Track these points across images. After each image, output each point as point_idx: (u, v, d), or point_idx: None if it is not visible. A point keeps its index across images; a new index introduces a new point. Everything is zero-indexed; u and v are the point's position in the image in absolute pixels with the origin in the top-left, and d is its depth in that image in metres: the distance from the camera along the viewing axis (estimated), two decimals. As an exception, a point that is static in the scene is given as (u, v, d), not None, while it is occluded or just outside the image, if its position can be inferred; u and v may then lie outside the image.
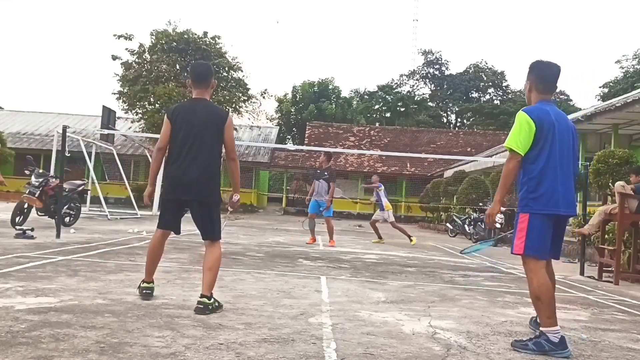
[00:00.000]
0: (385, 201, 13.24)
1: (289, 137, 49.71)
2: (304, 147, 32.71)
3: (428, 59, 54.92)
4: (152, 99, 25.93)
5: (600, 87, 41.91)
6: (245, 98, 28.99)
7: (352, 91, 55.74)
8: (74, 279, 4.92)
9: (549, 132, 3.43)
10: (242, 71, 29.01)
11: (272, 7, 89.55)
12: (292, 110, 49.34)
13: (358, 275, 6.54)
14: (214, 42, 28.23)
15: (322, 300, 4.69)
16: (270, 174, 39.51)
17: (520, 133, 3.43)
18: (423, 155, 25.01)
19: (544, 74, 3.66)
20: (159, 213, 4.28)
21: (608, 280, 7.44)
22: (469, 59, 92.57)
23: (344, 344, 3.26)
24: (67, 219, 10.55)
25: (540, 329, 3.38)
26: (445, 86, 54.51)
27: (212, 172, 4.04)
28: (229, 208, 4.63)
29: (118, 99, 26.89)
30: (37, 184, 10.03)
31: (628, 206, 7.33)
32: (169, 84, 26.02)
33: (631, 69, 39.36)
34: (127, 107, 27.08)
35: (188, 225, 4.67)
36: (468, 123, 52.81)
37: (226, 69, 28.63)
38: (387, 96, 52.80)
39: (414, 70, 55.62)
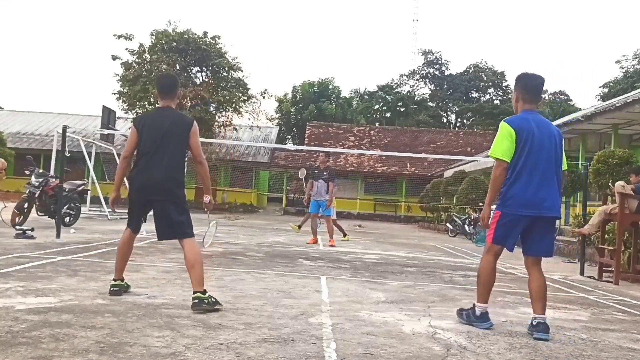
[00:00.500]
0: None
1: (289, 137, 49.72)
2: (304, 147, 32.73)
3: (428, 59, 54.94)
4: (152, 99, 25.94)
5: (600, 87, 41.95)
6: (245, 98, 29.01)
7: (352, 91, 55.80)
8: (74, 279, 4.92)
9: (527, 140, 3.78)
10: (242, 71, 29.08)
11: (272, 7, 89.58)
12: (292, 110, 49.35)
13: (358, 275, 6.54)
14: (214, 42, 28.25)
15: (322, 300, 4.69)
16: (270, 174, 39.55)
17: (503, 142, 3.81)
18: (423, 155, 25.01)
19: (529, 85, 3.99)
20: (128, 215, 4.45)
21: (608, 280, 7.44)
22: (469, 59, 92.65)
23: (344, 344, 3.26)
24: (67, 219, 10.54)
25: (475, 302, 4.00)
26: (445, 86, 54.52)
27: (175, 173, 4.19)
28: (206, 210, 4.82)
29: (118, 99, 26.93)
30: (37, 184, 10.04)
31: (628, 206, 7.33)
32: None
33: (631, 69, 39.35)
34: (127, 107, 27.11)
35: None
36: (468, 123, 52.82)
37: (226, 69, 28.66)
38: (387, 96, 52.80)
39: (414, 70, 55.68)
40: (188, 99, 26.46)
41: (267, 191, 38.12)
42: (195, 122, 4.38)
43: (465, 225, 16.71)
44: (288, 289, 5.13)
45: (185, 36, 27.58)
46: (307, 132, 37.73)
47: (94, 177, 15.79)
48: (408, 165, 33.65)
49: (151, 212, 4.33)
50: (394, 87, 54.21)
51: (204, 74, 29.36)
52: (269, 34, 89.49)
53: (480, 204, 17.18)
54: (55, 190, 9.90)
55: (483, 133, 39.98)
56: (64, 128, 9.57)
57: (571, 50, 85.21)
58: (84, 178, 15.14)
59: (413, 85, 55.61)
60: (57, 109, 52.57)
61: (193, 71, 28.95)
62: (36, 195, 10.00)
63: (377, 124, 45.40)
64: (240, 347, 3.05)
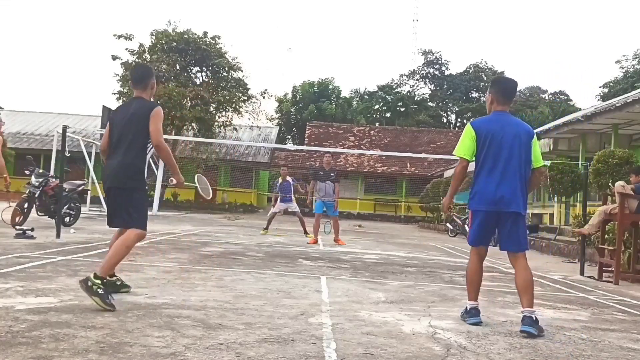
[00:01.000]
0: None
1: (289, 137, 49.70)
2: (304, 147, 32.74)
3: (428, 59, 54.91)
4: (151, 99, 25.95)
5: (600, 87, 41.93)
6: (245, 98, 28.99)
7: (352, 91, 55.74)
8: (74, 279, 4.91)
9: (487, 139, 4.01)
10: (242, 71, 29.04)
11: (272, 7, 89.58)
12: (292, 110, 49.34)
13: (358, 275, 6.54)
14: (214, 42, 28.23)
15: (322, 300, 4.69)
16: (270, 174, 39.53)
17: (463, 141, 4.12)
18: (423, 155, 25.04)
19: (503, 88, 4.19)
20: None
21: (608, 280, 7.44)
22: (469, 59, 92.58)
23: (344, 344, 3.26)
24: (67, 219, 10.54)
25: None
26: (445, 86, 54.49)
27: (130, 159, 4.11)
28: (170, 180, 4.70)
29: (118, 99, 26.90)
30: (37, 184, 10.04)
31: (628, 206, 7.33)
32: (169, 84, 26.02)
33: (631, 69, 39.35)
34: (127, 107, 27.08)
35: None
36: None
37: (226, 69, 28.64)
38: (387, 96, 52.78)
39: (414, 70, 55.61)
40: (188, 99, 26.45)
41: (267, 191, 38.10)
42: (158, 107, 4.26)
43: (465, 226, 16.68)
44: (288, 289, 5.13)
45: (185, 36, 27.56)
46: (307, 132, 37.74)
47: (94, 177, 15.80)
48: (408, 165, 33.66)
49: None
50: (394, 87, 54.18)
51: (204, 74, 29.36)
52: (269, 34, 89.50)
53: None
54: (55, 190, 9.91)
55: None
56: (64, 128, 9.57)
57: (571, 50, 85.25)
58: (84, 178, 15.15)
59: (413, 85, 55.61)
60: (57, 109, 52.57)
61: (193, 71, 28.94)
62: (36, 195, 10.00)
63: (377, 124, 45.38)
64: (240, 347, 3.05)
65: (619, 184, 7.56)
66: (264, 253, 8.50)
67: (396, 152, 30.84)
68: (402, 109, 50.96)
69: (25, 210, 9.89)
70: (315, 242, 11.14)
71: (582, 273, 8.14)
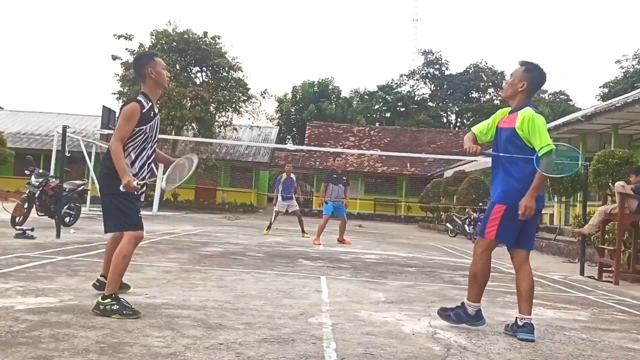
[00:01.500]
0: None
1: (289, 137, 49.71)
2: (304, 147, 32.74)
3: (428, 59, 54.91)
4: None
5: (600, 87, 41.93)
6: (245, 98, 29.01)
7: (352, 91, 55.77)
8: (74, 279, 4.92)
9: None
10: (242, 71, 29.07)
11: (272, 7, 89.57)
12: (292, 110, 49.36)
13: (358, 275, 6.54)
14: (214, 42, 28.25)
15: (322, 300, 4.69)
16: (270, 174, 39.54)
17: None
18: (423, 155, 25.04)
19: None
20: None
21: (608, 280, 7.44)
22: (469, 59, 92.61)
23: (344, 344, 3.26)
24: (67, 219, 10.54)
25: (465, 300, 3.84)
26: (445, 86, 54.50)
27: (108, 162, 3.87)
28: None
29: (118, 99, 26.92)
30: (37, 184, 10.03)
31: (628, 206, 7.33)
32: (169, 84, 26.00)
33: (631, 69, 39.34)
34: (127, 107, 27.09)
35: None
36: (468, 123, 52.77)
37: (226, 69, 28.66)
38: (387, 96, 52.78)
39: (414, 70, 55.63)
40: (188, 99, 26.46)
41: (267, 191, 38.09)
42: (131, 103, 3.90)
43: (465, 225, 16.70)
44: (288, 289, 5.13)
45: (185, 36, 27.58)
46: (307, 132, 37.75)
47: (94, 177, 15.79)
48: (408, 165, 33.66)
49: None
50: (394, 87, 54.19)
51: (204, 74, 29.38)
52: (269, 34, 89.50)
53: (481, 204, 17.22)
54: (55, 190, 9.91)
55: (483, 133, 39.93)
56: (64, 128, 9.57)
57: (571, 50, 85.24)
58: (84, 178, 15.14)
59: (413, 85, 55.62)
60: (57, 109, 52.61)
61: (193, 71, 28.96)
62: (36, 195, 10.00)
63: (377, 124, 45.39)
64: (240, 347, 3.05)
65: (619, 184, 7.56)
66: (264, 253, 8.50)
67: (396, 152, 30.85)
68: (402, 109, 50.97)
69: (25, 210, 9.89)
70: (319, 242, 11.22)
71: (582, 273, 8.14)
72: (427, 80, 55.78)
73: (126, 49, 26.83)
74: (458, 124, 54.02)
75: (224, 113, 28.94)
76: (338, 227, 11.87)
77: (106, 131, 18.01)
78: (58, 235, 8.51)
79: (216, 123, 28.69)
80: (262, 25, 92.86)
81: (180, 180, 4.29)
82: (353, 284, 5.74)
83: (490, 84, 54.18)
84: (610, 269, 7.63)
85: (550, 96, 51.32)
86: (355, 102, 53.08)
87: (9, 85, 75.33)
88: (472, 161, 22.58)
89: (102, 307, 3.60)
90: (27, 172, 10.38)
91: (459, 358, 3.13)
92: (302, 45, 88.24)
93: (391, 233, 18.39)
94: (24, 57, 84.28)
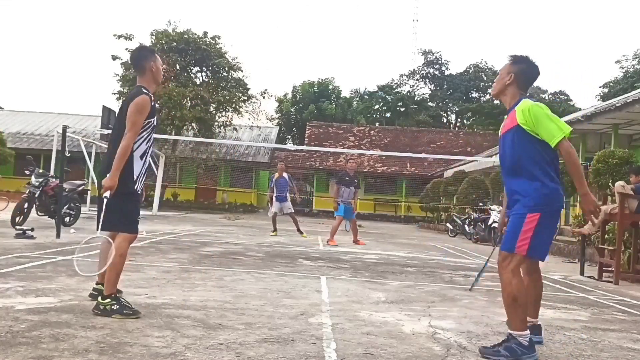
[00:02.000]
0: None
1: (289, 137, 49.68)
2: (304, 147, 32.73)
3: (428, 59, 54.88)
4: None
5: (600, 87, 41.90)
6: (245, 98, 29.02)
7: (352, 91, 55.70)
8: (74, 279, 4.92)
9: None
10: (242, 71, 29.08)
11: (272, 7, 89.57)
12: (292, 110, 49.33)
13: (358, 275, 6.54)
14: (214, 42, 28.26)
15: (322, 300, 4.69)
16: (270, 174, 39.55)
17: (557, 118, 3.26)
18: (423, 155, 25.03)
19: (530, 72, 3.51)
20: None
21: (608, 280, 7.44)
22: (469, 59, 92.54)
23: (344, 344, 3.27)
24: (67, 219, 10.55)
25: (511, 332, 3.22)
26: (445, 86, 54.47)
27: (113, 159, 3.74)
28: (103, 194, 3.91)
29: (118, 99, 26.93)
30: (37, 184, 10.04)
31: (628, 206, 7.33)
32: (169, 84, 26.03)
33: (631, 69, 39.32)
34: (127, 107, 27.10)
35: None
36: (468, 123, 52.80)
37: (226, 69, 28.67)
38: (387, 96, 52.76)
39: (414, 70, 55.55)
40: (188, 99, 26.46)
41: (267, 191, 38.12)
42: (142, 95, 3.78)
43: (465, 226, 16.70)
44: (288, 289, 5.13)
45: (185, 36, 27.58)
46: (307, 132, 37.73)
47: (94, 177, 15.79)
48: (408, 165, 33.65)
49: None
50: (394, 87, 54.16)
51: (204, 74, 29.39)
52: (269, 34, 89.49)
53: (481, 204, 17.21)
54: (55, 190, 9.91)
55: (483, 133, 39.98)
56: (64, 128, 9.58)
57: (571, 50, 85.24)
58: (84, 178, 15.15)
59: (413, 85, 55.57)
60: (57, 109, 52.58)
61: (193, 71, 28.97)
62: (36, 195, 10.00)
63: (377, 124, 45.35)
64: (240, 347, 3.05)
65: (619, 184, 7.56)
66: (264, 253, 8.50)
67: (396, 152, 30.84)
68: (402, 109, 50.95)
69: (25, 210, 9.89)
70: (334, 243, 11.32)
71: (582, 273, 8.14)
72: (427, 80, 55.76)
73: (126, 49, 26.82)
74: (458, 124, 54.00)
75: (224, 113, 28.95)
76: (350, 229, 11.98)
77: (106, 131, 18.00)
78: (58, 235, 8.51)
79: (216, 123, 28.69)
80: (262, 25, 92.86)
81: None
82: (353, 284, 5.74)
83: (490, 84, 54.00)
84: (610, 269, 7.63)
85: (550, 96, 51.30)
86: (355, 102, 53.05)
87: (9, 85, 75.36)
88: (472, 161, 22.60)
89: (102, 307, 3.59)
90: (27, 172, 10.38)
91: (459, 358, 3.13)
92: (302, 45, 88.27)
93: (391, 233, 18.39)
94: (24, 57, 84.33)
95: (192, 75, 28.82)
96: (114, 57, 26.86)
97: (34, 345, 2.82)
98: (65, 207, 10.38)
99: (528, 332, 3.21)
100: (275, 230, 13.20)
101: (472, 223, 16.23)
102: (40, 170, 10.56)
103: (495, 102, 52.63)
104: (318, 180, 33.90)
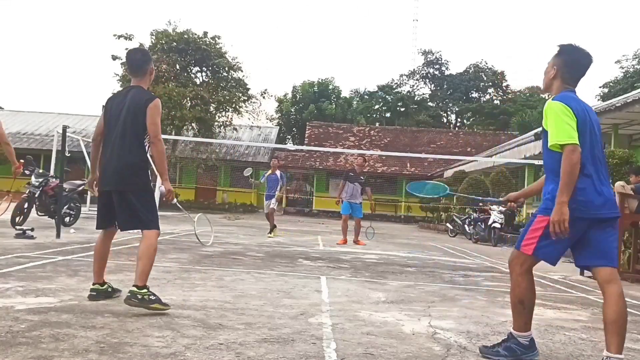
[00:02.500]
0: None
1: (289, 137, 49.68)
2: (304, 147, 32.74)
3: (428, 59, 54.88)
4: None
5: (600, 87, 41.83)
6: (245, 98, 29.00)
7: (352, 91, 55.70)
8: (74, 279, 4.92)
9: (586, 125, 3.01)
10: (242, 71, 29.05)
11: (272, 7, 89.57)
12: (292, 110, 49.33)
13: (358, 275, 6.54)
14: (214, 42, 28.24)
15: (322, 300, 4.69)
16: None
17: (566, 122, 2.94)
18: (423, 155, 25.02)
19: (575, 62, 3.18)
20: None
21: (608, 280, 7.44)
22: (469, 59, 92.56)
23: (344, 344, 3.27)
24: (67, 219, 10.55)
25: (512, 331, 3.17)
26: (445, 86, 54.47)
27: (130, 158, 3.85)
28: (171, 202, 4.20)
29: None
30: (37, 184, 10.04)
31: (628, 206, 7.34)
32: (169, 84, 26.03)
33: (631, 69, 39.32)
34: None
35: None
36: (468, 123, 52.80)
37: (226, 69, 28.65)
38: (387, 96, 52.78)
39: (414, 70, 55.56)
40: (188, 99, 26.46)
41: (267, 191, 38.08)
42: (156, 99, 3.94)
43: (465, 225, 16.70)
44: (288, 289, 5.13)
45: (185, 36, 27.57)
46: (307, 132, 37.74)
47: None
48: (408, 165, 33.65)
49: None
50: (394, 87, 54.16)
51: (204, 74, 29.37)
52: (269, 34, 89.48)
53: (480, 204, 17.20)
54: (55, 190, 9.91)
55: (483, 133, 40.00)
56: (64, 128, 9.58)
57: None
58: (84, 178, 15.15)
59: (413, 85, 55.57)
60: (57, 109, 52.59)
61: (193, 71, 28.95)
62: (36, 195, 10.00)
63: (377, 124, 45.36)
64: (240, 347, 3.05)
65: (618, 184, 7.56)
66: (264, 253, 8.50)
67: (396, 152, 30.85)
68: (402, 109, 50.95)
69: (25, 210, 9.89)
70: (345, 242, 11.34)
71: (582, 273, 8.12)
72: (427, 80, 55.76)
73: (126, 49, 26.65)
74: (458, 124, 54.00)
75: (224, 113, 28.94)
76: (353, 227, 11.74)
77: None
78: (58, 235, 8.51)
79: (216, 123, 28.69)
80: (262, 25, 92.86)
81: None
82: (353, 284, 5.74)
83: (490, 84, 54.17)
84: (610, 269, 7.63)
85: (550, 96, 51.25)
86: (355, 102, 53.05)
87: (9, 85, 75.36)
88: (472, 161, 22.60)
89: (140, 296, 3.67)
90: (27, 172, 10.37)
91: (459, 358, 3.13)
92: (302, 45, 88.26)
93: (391, 233, 18.38)
94: (24, 57, 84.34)
95: (192, 75, 28.81)
96: (114, 57, 26.86)
97: (34, 345, 2.82)
98: (65, 207, 10.38)
99: (530, 333, 3.14)
100: (274, 227, 12.55)
101: (472, 223, 16.23)
102: (40, 170, 10.56)
103: (495, 102, 52.69)
104: (318, 180, 33.90)
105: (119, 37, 26.22)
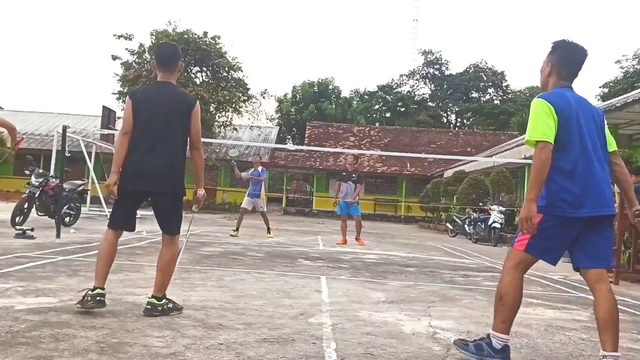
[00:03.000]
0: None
1: (289, 137, 49.70)
2: (304, 147, 32.73)
3: (428, 59, 54.89)
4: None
5: (600, 87, 41.83)
6: (245, 98, 29.00)
7: (352, 91, 55.73)
8: (74, 279, 4.92)
9: (571, 120, 2.96)
10: (242, 71, 29.03)
11: (272, 7, 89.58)
12: (292, 110, 49.34)
13: (358, 275, 6.54)
14: (214, 42, 28.23)
15: (322, 300, 4.69)
16: (270, 174, 39.47)
17: (542, 119, 2.92)
18: (423, 155, 25.03)
19: (569, 57, 3.15)
20: (112, 209, 3.84)
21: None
22: (469, 59, 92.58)
23: (344, 344, 3.27)
24: (67, 219, 10.54)
25: (490, 331, 3.09)
26: (445, 86, 54.48)
27: (177, 162, 3.71)
28: (194, 207, 4.13)
29: (118, 99, 26.93)
30: (37, 184, 10.03)
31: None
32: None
33: (631, 69, 39.31)
34: (127, 107, 27.11)
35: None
36: (468, 123, 52.80)
37: (226, 69, 28.64)
38: (387, 96, 52.79)
39: (414, 70, 55.59)
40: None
41: (267, 191, 38.10)
42: (197, 101, 3.86)
43: (465, 226, 16.70)
44: (288, 289, 5.13)
45: (185, 36, 27.55)
46: (307, 132, 37.74)
47: (94, 177, 15.79)
48: (408, 165, 33.65)
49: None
50: (394, 87, 54.18)
51: (204, 74, 29.37)
52: (269, 34, 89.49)
53: (481, 204, 17.21)
54: (55, 190, 9.90)
55: (483, 133, 39.99)
56: (64, 128, 9.57)
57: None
58: (84, 178, 15.15)
59: (413, 85, 55.59)
60: (57, 109, 52.52)
61: (193, 71, 28.94)
62: (36, 195, 9.99)
63: (377, 124, 45.37)
64: (240, 347, 3.05)
65: (619, 184, 7.55)
66: (264, 253, 8.50)
67: (396, 152, 30.83)
68: (402, 109, 50.96)
69: (25, 210, 9.89)
70: (345, 242, 11.34)
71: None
72: (427, 80, 55.77)
73: (126, 49, 26.80)
74: (458, 124, 54.01)
75: (224, 113, 28.94)
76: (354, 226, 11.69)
77: (106, 131, 18.01)
78: (58, 235, 8.51)
79: (216, 123, 28.69)
80: (262, 25, 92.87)
81: None
82: (353, 284, 5.74)
83: (490, 84, 54.18)
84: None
85: (549, 95, 51.25)
86: (355, 102, 53.06)
87: (9, 85, 75.37)
88: (472, 161, 22.60)
89: (159, 308, 3.68)
90: (27, 172, 10.38)
91: (459, 358, 3.13)
92: (302, 45, 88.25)
93: (391, 233, 18.38)
94: (24, 57, 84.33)
95: (192, 75, 28.79)
96: (114, 57, 26.84)
97: (34, 345, 2.82)
98: (65, 207, 10.37)
99: (508, 337, 3.03)
100: (237, 229, 11.85)
101: (472, 223, 16.23)
102: (40, 170, 10.55)
103: (495, 102, 52.68)
104: (318, 180, 33.89)
105: (119, 37, 26.20)
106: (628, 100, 12.45)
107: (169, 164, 3.68)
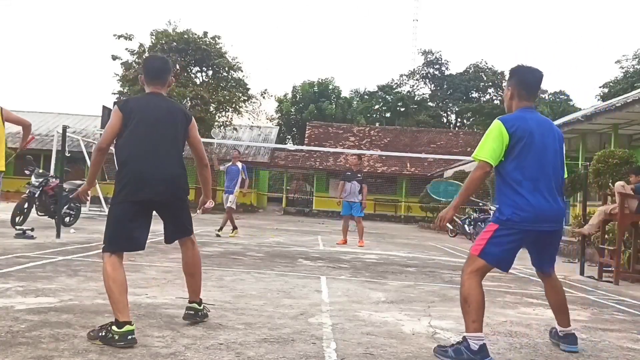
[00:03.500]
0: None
1: (289, 137, 49.70)
2: (304, 147, 32.71)
3: (428, 59, 54.87)
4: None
5: (600, 87, 41.84)
6: (245, 98, 29.00)
7: (352, 91, 55.73)
8: (74, 279, 4.92)
9: (524, 140, 3.23)
10: (242, 71, 29.03)
11: (272, 7, 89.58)
12: (292, 110, 49.34)
13: (358, 275, 6.54)
14: (214, 42, 28.23)
15: (322, 300, 4.69)
16: (270, 174, 39.53)
17: (489, 142, 3.28)
18: (423, 155, 25.03)
19: (526, 80, 3.46)
20: (110, 229, 3.40)
21: (608, 280, 7.44)
22: (469, 59, 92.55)
23: (344, 344, 3.27)
24: (67, 219, 10.54)
25: (464, 333, 3.17)
26: (445, 86, 54.47)
27: (181, 171, 3.65)
28: (198, 211, 4.30)
29: (118, 99, 26.91)
30: (37, 184, 10.03)
31: (628, 206, 7.33)
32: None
33: (631, 69, 39.31)
34: (127, 107, 27.14)
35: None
36: (468, 123, 52.79)
37: (226, 69, 28.64)
38: (387, 96, 52.78)
39: (414, 70, 55.54)
40: (188, 99, 26.46)
41: (267, 191, 38.09)
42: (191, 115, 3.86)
43: (465, 225, 16.70)
44: (288, 289, 5.13)
45: (185, 36, 27.56)
46: (307, 132, 37.72)
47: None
48: (408, 165, 33.64)
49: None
50: (394, 87, 54.16)
51: (204, 74, 29.37)
52: (269, 34, 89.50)
53: (481, 204, 17.22)
54: (55, 190, 9.91)
55: (483, 133, 39.83)
56: (64, 128, 9.58)
57: (571, 50, 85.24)
58: (84, 178, 15.14)
59: (413, 85, 55.56)
60: (57, 109, 52.53)
61: (193, 71, 28.95)
62: (36, 195, 10.00)
63: (377, 124, 45.36)
64: (240, 347, 3.05)
65: (618, 184, 7.55)
66: (264, 253, 8.50)
67: (396, 152, 30.80)
68: (402, 109, 50.95)
69: (25, 210, 9.89)
70: (345, 242, 11.34)
71: (582, 273, 8.13)
72: (427, 80, 55.75)
73: (126, 49, 26.80)
74: (458, 124, 54.01)
75: (224, 113, 28.94)
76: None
77: (106, 131, 17.97)
78: (58, 235, 8.51)
79: (216, 123, 28.70)
80: (262, 25, 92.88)
81: None
82: (353, 284, 5.74)
83: (490, 84, 54.16)
84: (610, 269, 7.63)
85: (550, 96, 51.29)
86: (355, 102, 53.06)
87: (9, 85, 75.35)
88: (472, 161, 22.58)
89: (200, 313, 3.65)
90: (27, 172, 10.38)
91: (459, 358, 3.13)
92: (302, 45, 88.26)
93: (391, 233, 18.38)
94: (24, 57, 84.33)
95: (192, 75, 28.80)
96: (114, 57, 26.84)
97: (34, 345, 2.82)
98: (65, 207, 10.37)
99: (481, 335, 3.10)
100: (235, 229, 11.96)
101: (472, 223, 16.23)
102: (40, 170, 10.56)
103: (495, 102, 52.67)
104: (318, 180, 33.88)
105: (119, 37, 26.21)
106: (628, 100, 12.45)
107: (175, 172, 3.59)
